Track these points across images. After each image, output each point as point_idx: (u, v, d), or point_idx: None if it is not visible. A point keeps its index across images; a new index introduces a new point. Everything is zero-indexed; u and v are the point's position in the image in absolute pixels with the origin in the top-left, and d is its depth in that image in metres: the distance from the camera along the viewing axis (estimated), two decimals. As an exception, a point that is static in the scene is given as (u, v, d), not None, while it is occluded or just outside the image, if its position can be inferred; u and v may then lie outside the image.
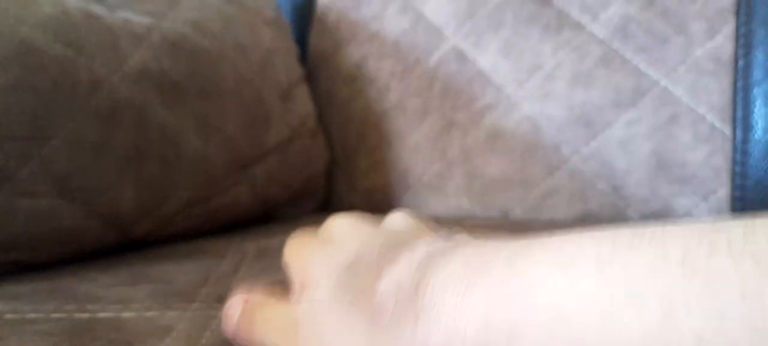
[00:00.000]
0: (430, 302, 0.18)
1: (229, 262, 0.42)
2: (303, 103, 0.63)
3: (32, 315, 0.32)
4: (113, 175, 0.45)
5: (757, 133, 0.50)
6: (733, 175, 0.50)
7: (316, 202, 0.67)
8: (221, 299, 0.34)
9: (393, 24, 0.68)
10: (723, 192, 0.51)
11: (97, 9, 0.48)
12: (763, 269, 0.12)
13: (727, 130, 0.51)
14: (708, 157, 0.51)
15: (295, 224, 0.57)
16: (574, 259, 0.15)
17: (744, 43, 0.51)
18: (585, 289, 0.14)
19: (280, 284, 0.28)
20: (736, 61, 0.51)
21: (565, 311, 0.14)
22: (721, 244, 0.13)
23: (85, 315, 0.32)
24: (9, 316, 0.32)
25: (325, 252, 0.24)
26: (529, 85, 0.59)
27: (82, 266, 0.42)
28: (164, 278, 0.39)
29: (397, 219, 0.26)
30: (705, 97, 0.52)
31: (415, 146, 0.64)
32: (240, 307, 0.27)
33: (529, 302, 0.15)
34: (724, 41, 0.52)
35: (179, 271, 0.40)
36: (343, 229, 0.26)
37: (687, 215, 0.52)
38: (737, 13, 0.52)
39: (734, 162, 0.50)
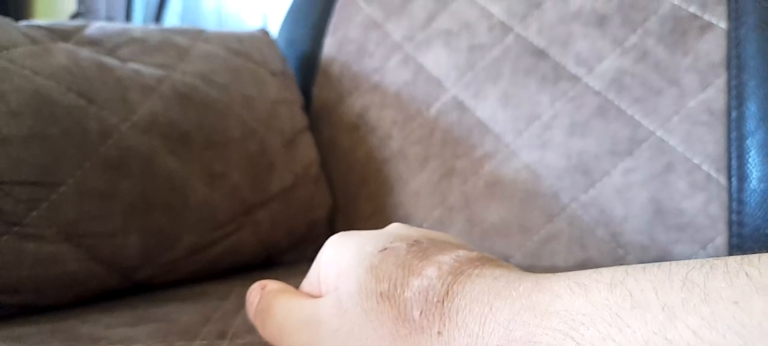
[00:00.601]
0: (456, 311, 0.19)
1: (232, 303, 0.43)
2: (307, 151, 0.64)
3: (34, 356, 0.32)
4: (119, 222, 0.45)
5: (752, 182, 0.50)
6: (730, 223, 0.51)
7: (318, 247, 0.67)
8: (223, 336, 0.34)
9: (394, 76, 0.69)
10: (720, 240, 0.51)
11: (109, 61, 0.50)
12: (754, 283, 0.14)
13: (723, 179, 0.51)
14: (704, 206, 0.51)
15: (298, 268, 0.57)
16: (591, 280, 0.17)
17: (736, 94, 0.52)
18: (596, 300, 0.16)
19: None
20: (729, 113, 0.52)
21: (577, 319, 0.16)
22: (720, 267, 0.15)
23: (86, 356, 0.32)
24: (11, 357, 0.32)
25: (356, 242, 0.24)
26: (527, 134, 0.60)
27: (84, 308, 0.43)
28: (166, 318, 0.39)
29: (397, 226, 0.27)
30: (700, 147, 0.52)
31: (415, 193, 0.64)
32: (258, 294, 0.27)
33: (547, 311, 0.17)
34: (716, 93, 0.53)
35: (181, 311, 0.41)
36: (376, 230, 0.27)
37: (685, 262, 0.52)
38: (728, 66, 0.53)
39: (730, 211, 0.51)
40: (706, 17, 0.54)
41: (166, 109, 0.50)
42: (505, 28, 0.64)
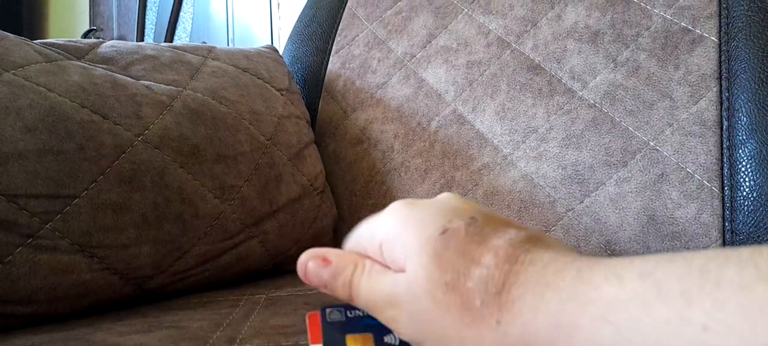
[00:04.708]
0: (512, 301, 0.20)
1: (241, 310, 0.42)
2: (312, 163, 0.64)
3: (46, 365, 0.31)
4: (132, 232, 0.44)
5: (744, 191, 0.49)
6: (723, 231, 0.50)
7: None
8: (232, 341, 0.33)
9: (396, 91, 0.68)
10: (713, 248, 0.50)
11: (122, 78, 0.49)
12: (760, 272, 0.15)
13: (715, 187, 0.50)
14: (697, 214, 0.50)
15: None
16: (625, 270, 0.19)
17: (727, 106, 0.51)
18: (629, 288, 0.18)
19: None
20: (720, 124, 0.51)
21: (612, 305, 0.18)
22: (733, 257, 0.16)
23: (98, 365, 0.31)
24: (24, 366, 0.31)
25: (417, 220, 0.25)
26: (524, 146, 0.59)
27: (97, 317, 0.41)
28: (178, 325, 0.38)
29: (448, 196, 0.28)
30: (692, 157, 0.51)
31: (417, 204, 0.63)
32: (319, 267, 0.28)
33: (588, 299, 0.19)
34: (707, 105, 0.52)
35: (192, 318, 0.40)
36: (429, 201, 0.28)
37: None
38: (719, 79, 0.52)
39: (723, 219, 0.50)
40: (698, 31, 0.54)
41: (178, 124, 0.50)
42: (502, 45, 0.64)
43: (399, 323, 0.24)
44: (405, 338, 0.24)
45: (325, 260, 0.28)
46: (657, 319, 0.17)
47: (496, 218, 0.25)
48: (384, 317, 0.25)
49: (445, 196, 0.28)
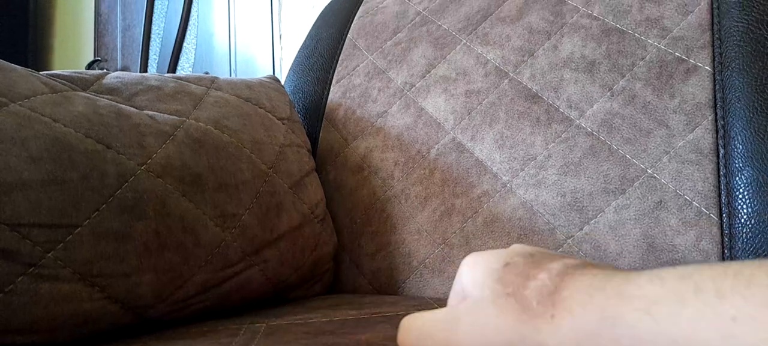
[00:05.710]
0: (563, 299, 0.23)
1: (241, 339, 0.41)
2: (313, 192, 0.64)
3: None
4: (133, 261, 0.44)
5: (742, 218, 0.49)
6: (723, 258, 0.49)
7: (324, 284, 0.66)
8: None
9: (397, 120, 0.69)
10: (712, 274, 0.50)
11: (127, 108, 0.50)
12: None
13: (714, 215, 0.50)
14: (696, 242, 0.50)
15: (304, 305, 0.56)
16: (667, 273, 0.21)
17: (723, 134, 0.51)
18: (669, 286, 0.20)
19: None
20: (716, 151, 0.51)
21: (653, 300, 0.20)
22: (766, 264, 0.18)
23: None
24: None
25: (485, 259, 0.29)
26: (523, 174, 0.59)
27: (98, 347, 0.41)
28: (176, 358, 0.38)
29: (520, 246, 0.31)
30: (689, 184, 0.51)
31: (417, 231, 0.63)
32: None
33: (632, 295, 0.21)
34: (703, 133, 0.52)
35: (191, 351, 0.39)
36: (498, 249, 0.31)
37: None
38: (714, 107, 0.52)
39: (722, 246, 0.50)
40: (692, 61, 0.54)
41: (181, 153, 0.50)
42: (500, 74, 0.64)
43: (457, 336, 0.27)
44: None
45: None
46: (692, 312, 0.19)
47: (555, 254, 0.28)
48: (440, 337, 0.27)
49: (514, 245, 0.31)
